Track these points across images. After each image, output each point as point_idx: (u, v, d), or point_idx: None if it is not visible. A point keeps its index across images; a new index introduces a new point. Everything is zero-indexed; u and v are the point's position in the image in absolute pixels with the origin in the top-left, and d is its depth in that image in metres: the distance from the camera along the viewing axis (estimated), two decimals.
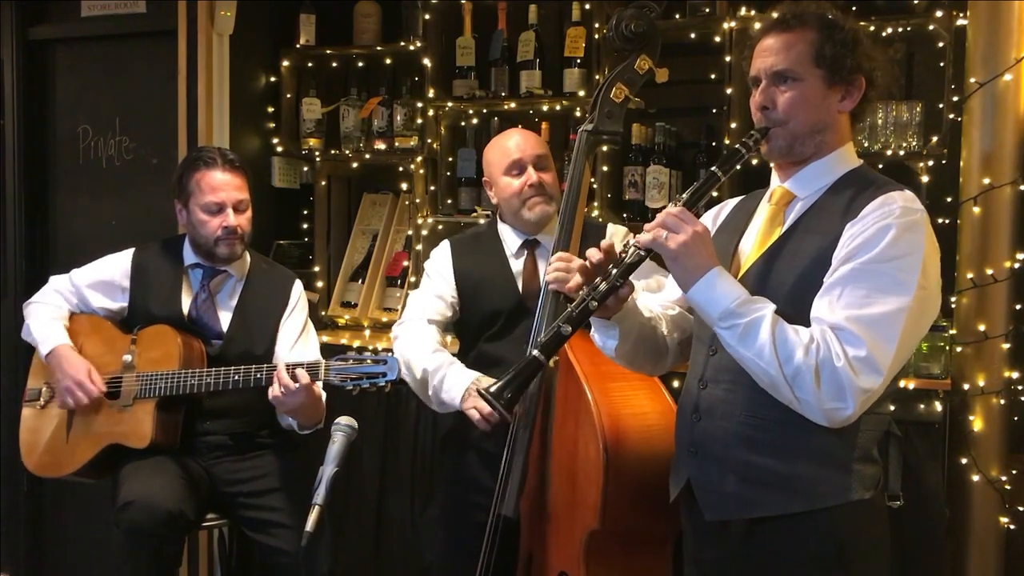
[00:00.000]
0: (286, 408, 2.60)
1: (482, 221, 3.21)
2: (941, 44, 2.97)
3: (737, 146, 1.83)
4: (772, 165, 1.93)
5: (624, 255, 1.76)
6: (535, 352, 1.77)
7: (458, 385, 2.48)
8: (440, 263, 2.73)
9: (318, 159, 3.83)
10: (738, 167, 1.86)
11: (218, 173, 2.76)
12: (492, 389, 1.76)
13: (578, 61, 3.41)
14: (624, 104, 2.42)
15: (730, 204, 2.06)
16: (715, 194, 3.01)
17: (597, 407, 2.13)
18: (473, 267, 2.69)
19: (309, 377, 2.52)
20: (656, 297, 2.08)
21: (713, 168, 1.82)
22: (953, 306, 2.82)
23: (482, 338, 2.64)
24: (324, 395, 2.73)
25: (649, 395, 2.26)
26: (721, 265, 1.77)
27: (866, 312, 1.64)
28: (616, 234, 2.70)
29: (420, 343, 2.60)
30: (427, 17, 3.56)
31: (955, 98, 2.91)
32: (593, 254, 1.80)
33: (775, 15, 1.86)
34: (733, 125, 3.15)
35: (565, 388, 2.27)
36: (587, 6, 3.40)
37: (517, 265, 2.67)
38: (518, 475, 2.31)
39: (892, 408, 1.84)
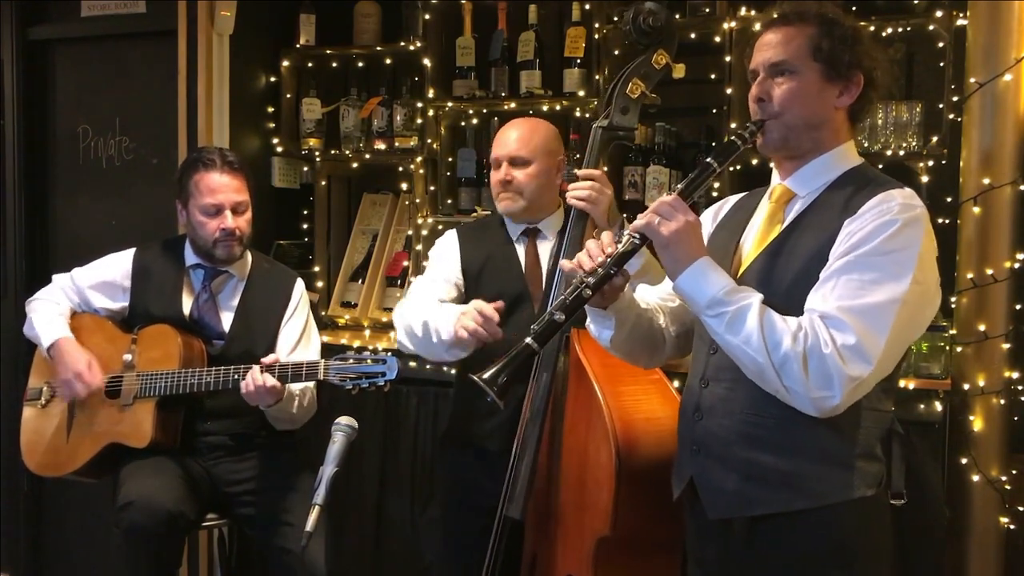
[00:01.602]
0: (254, 404, 2.61)
1: None
2: (941, 44, 2.97)
3: (732, 138, 1.83)
4: (772, 164, 1.93)
5: (619, 243, 1.76)
6: (528, 340, 1.76)
7: (451, 315, 2.39)
8: (446, 248, 2.71)
9: (318, 159, 3.83)
10: (736, 163, 1.86)
11: (216, 175, 2.75)
12: (485, 376, 1.74)
13: (578, 61, 3.41)
14: (640, 100, 2.37)
15: (730, 201, 2.06)
16: (715, 194, 3.04)
17: (609, 411, 2.11)
18: (479, 251, 2.67)
19: (276, 380, 2.54)
20: (655, 290, 2.08)
21: (708, 159, 1.82)
22: (953, 306, 2.82)
23: None
24: (313, 394, 2.77)
25: (661, 399, 2.23)
26: (722, 263, 1.77)
27: (858, 302, 1.65)
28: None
29: (418, 305, 2.54)
30: (427, 17, 3.56)
31: (955, 98, 2.91)
32: (590, 244, 1.80)
33: (776, 12, 1.87)
34: (733, 125, 3.14)
35: (576, 390, 2.26)
36: (587, 6, 3.40)
37: (520, 251, 2.66)
38: (526, 477, 2.28)
39: (893, 408, 1.84)
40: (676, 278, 1.74)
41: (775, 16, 1.86)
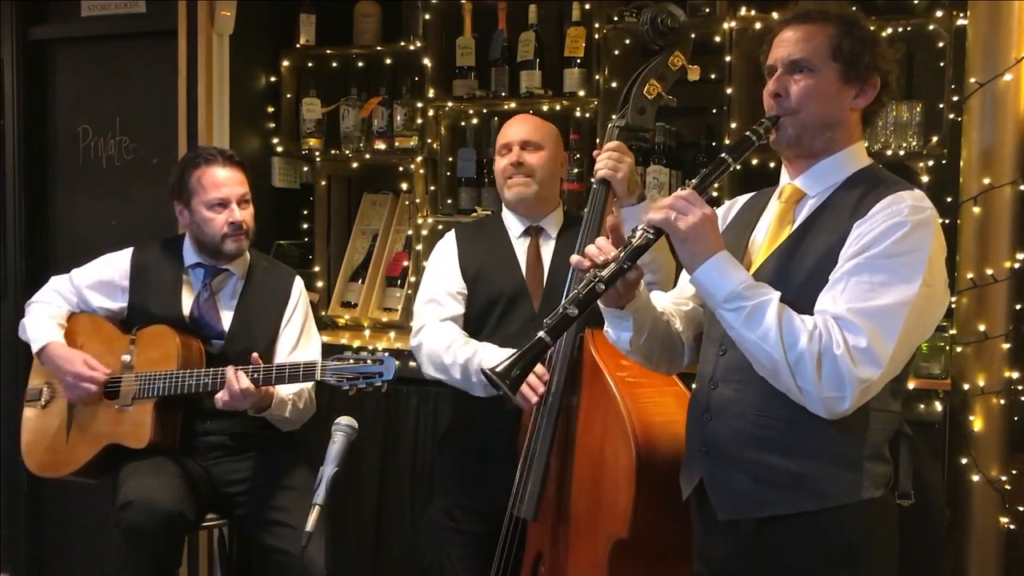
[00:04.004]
0: (235, 409, 2.60)
1: None
2: (941, 44, 2.97)
3: (747, 133, 1.83)
4: (783, 162, 1.93)
5: (632, 238, 1.75)
6: (541, 333, 1.74)
7: (494, 357, 2.41)
8: (444, 255, 2.70)
9: (318, 159, 3.83)
10: (739, 166, 1.85)
11: (219, 169, 2.77)
12: (499, 368, 1.73)
13: (578, 61, 3.41)
14: (657, 100, 2.35)
15: (739, 202, 2.06)
16: (715, 194, 3.04)
17: (628, 413, 2.09)
18: (477, 251, 2.67)
19: (250, 382, 2.53)
20: (667, 295, 2.08)
21: (723, 154, 1.82)
22: (953, 306, 2.82)
23: (487, 326, 2.61)
24: (310, 395, 2.78)
25: (678, 401, 2.21)
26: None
27: (868, 304, 1.65)
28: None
29: (445, 341, 2.56)
30: (427, 17, 3.56)
31: (955, 98, 2.91)
32: (601, 239, 1.80)
33: (781, 12, 1.87)
34: (733, 125, 3.15)
35: (591, 390, 2.23)
36: (587, 6, 3.40)
37: (521, 250, 2.66)
38: (539, 477, 2.26)
39: (900, 409, 1.84)
40: (694, 271, 1.73)
41: (796, 13, 1.86)
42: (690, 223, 1.71)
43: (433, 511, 2.88)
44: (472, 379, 2.50)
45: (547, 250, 2.64)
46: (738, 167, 1.87)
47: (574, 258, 1.83)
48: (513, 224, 2.70)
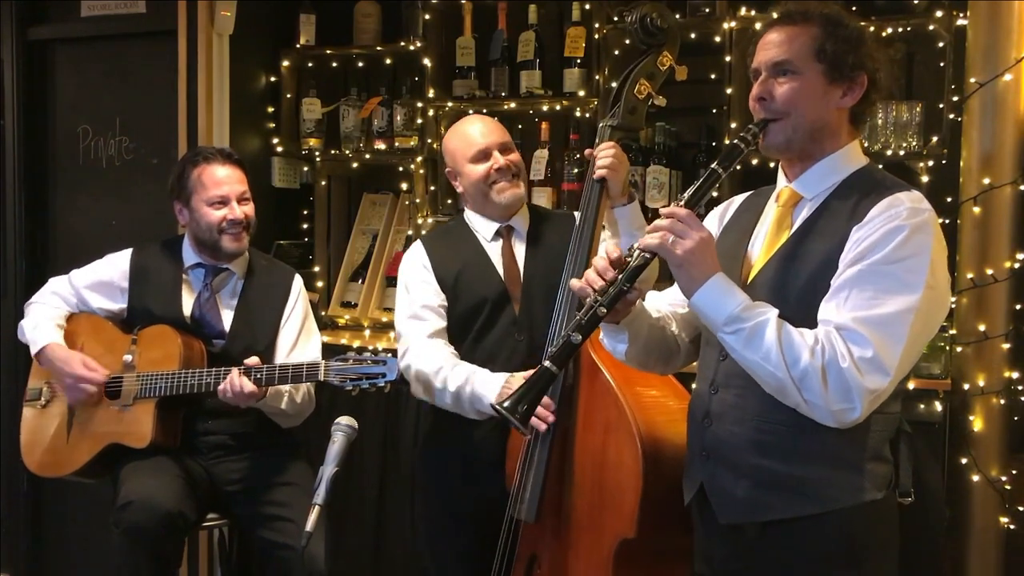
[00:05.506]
0: (235, 404, 2.60)
1: None
2: (941, 44, 2.97)
3: (735, 141, 1.82)
4: (780, 164, 1.92)
5: (629, 259, 1.75)
6: (546, 363, 1.75)
7: (490, 390, 2.36)
8: (418, 268, 2.59)
9: (318, 159, 3.84)
10: (738, 165, 1.85)
11: (219, 167, 2.77)
12: (506, 403, 1.74)
13: (578, 61, 3.41)
14: (647, 100, 2.36)
15: (736, 202, 2.05)
16: (715, 194, 3.04)
17: (632, 412, 2.08)
18: (452, 259, 2.57)
19: (253, 385, 2.53)
20: (664, 296, 2.07)
21: (713, 166, 1.81)
22: (953, 306, 2.82)
23: (469, 335, 2.53)
24: (308, 391, 2.78)
25: (678, 401, 2.21)
26: (730, 269, 1.77)
27: (873, 313, 1.64)
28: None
29: (434, 364, 2.46)
30: (427, 17, 3.57)
31: (955, 98, 2.91)
32: (599, 261, 1.79)
33: (778, 12, 1.86)
34: (733, 125, 3.15)
35: (589, 390, 2.22)
36: (587, 6, 3.40)
37: (494, 252, 2.58)
38: (539, 478, 2.24)
39: (899, 409, 1.84)
40: (692, 295, 1.73)
41: (779, 15, 1.85)
42: (687, 248, 1.70)
43: (416, 516, 2.85)
44: (464, 406, 2.42)
45: (520, 250, 2.59)
46: (738, 167, 1.86)
47: (575, 284, 1.82)
48: (482, 227, 2.60)
